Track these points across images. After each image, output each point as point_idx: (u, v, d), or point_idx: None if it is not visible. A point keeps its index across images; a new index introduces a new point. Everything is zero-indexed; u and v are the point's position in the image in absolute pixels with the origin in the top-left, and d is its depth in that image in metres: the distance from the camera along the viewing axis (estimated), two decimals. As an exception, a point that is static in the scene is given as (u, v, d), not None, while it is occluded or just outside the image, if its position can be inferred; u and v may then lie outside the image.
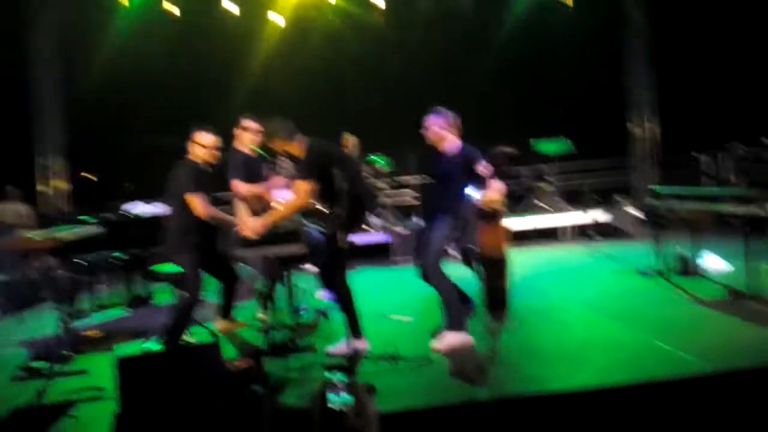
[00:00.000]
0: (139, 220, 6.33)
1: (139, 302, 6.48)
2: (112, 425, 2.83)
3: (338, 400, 2.64)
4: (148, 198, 6.64)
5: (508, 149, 4.21)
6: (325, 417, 2.64)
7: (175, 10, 9.48)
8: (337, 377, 2.70)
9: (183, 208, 4.37)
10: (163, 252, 4.55)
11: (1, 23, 8.69)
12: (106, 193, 8.54)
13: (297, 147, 4.22)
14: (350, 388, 2.68)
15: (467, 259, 4.83)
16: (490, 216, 4.58)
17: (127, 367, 3.10)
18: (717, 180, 8.88)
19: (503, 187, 4.36)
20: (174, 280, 4.64)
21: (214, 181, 4.70)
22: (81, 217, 6.23)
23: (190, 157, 4.53)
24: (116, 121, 9.46)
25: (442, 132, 4.49)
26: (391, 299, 5.81)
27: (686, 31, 9.72)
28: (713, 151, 8.91)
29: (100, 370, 4.03)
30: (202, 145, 4.50)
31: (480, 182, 4.40)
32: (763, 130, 5.90)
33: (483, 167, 4.36)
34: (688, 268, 5.75)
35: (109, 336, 5.13)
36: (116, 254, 6.38)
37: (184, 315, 4.34)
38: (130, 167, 8.48)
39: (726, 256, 5.96)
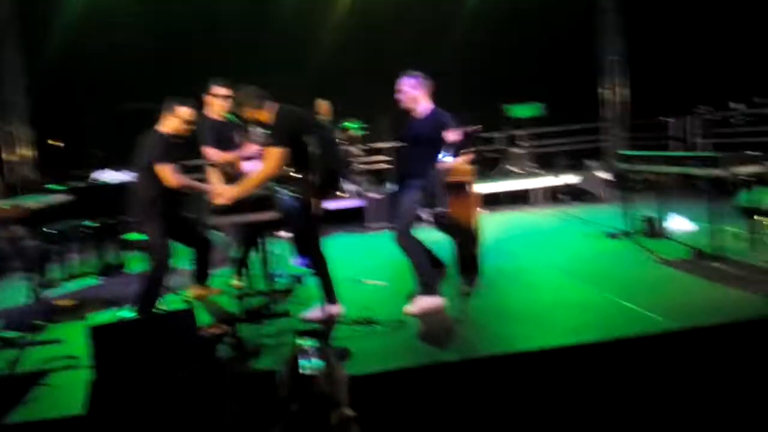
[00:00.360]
0: (108, 187, 6.25)
1: (111, 270, 6.42)
2: (87, 393, 2.84)
3: (309, 365, 2.68)
4: (117, 165, 6.53)
5: (470, 128, 4.21)
6: (296, 382, 2.68)
7: None
8: (308, 343, 2.73)
9: (150, 178, 4.32)
10: (129, 220, 4.51)
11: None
12: (73, 160, 8.39)
13: (267, 114, 4.18)
14: (321, 353, 2.71)
15: (440, 223, 4.87)
16: (458, 186, 4.61)
17: (100, 335, 3.10)
18: (685, 143, 9.07)
19: (467, 159, 4.37)
20: (144, 248, 4.61)
21: (184, 149, 4.64)
22: (49, 186, 6.12)
23: (161, 127, 4.46)
24: (83, 87, 9.20)
25: (416, 94, 4.48)
26: (366, 264, 5.85)
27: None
28: (682, 115, 9.09)
29: (73, 339, 4.02)
30: (180, 117, 4.43)
31: (449, 148, 4.41)
32: (731, 94, 6.02)
33: (453, 133, 4.37)
34: (655, 230, 5.88)
35: (82, 305, 5.09)
36: (86, 222, 6.30)
37: (154, 283, 4.32)
38: (97, 134, 8.29)
39: (692, 218, 6.11)
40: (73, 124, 8.88)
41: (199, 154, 5.14)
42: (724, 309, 3.68)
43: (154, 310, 4.30)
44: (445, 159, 4.30)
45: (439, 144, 4.41)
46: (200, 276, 4.93)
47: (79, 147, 8.67)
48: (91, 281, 6.22)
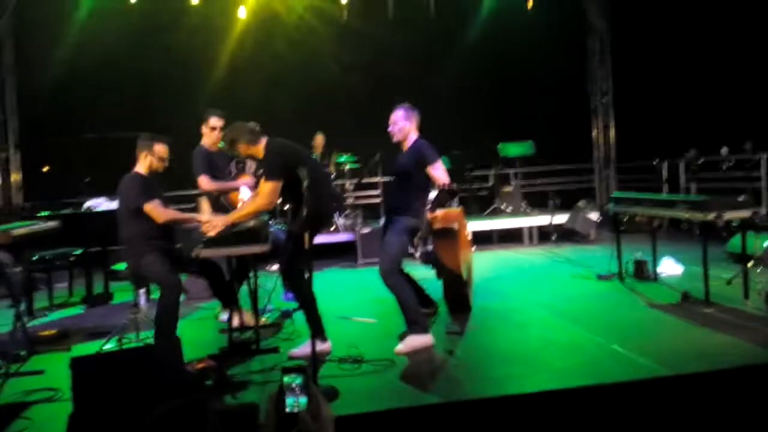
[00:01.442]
0: (97, 215, 6.21)
1: (97, 301, 6.35)
2: (66, 427, 2.77)
3: (294, 403, 2.63)
4: (104, 193, 6.51)
5: (450, 186, 4.19)
6: (281, 420, 2.63)
7: None
8: (294, 380, 2.68)
9: (137, 218, 4.30)
10: (127, 262, 4.46)
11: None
12: (61, 186, 8.34)
13: (261, 149, 4.19)
14: (307, 390, 2.67)
15: (428, 261, 4.86)
16: (446, 230, 4.60)
17: (81, 367, 3.04)
18: (675, 186, 9.18)
19: (449, 210, 4.31)
20: (136, 280, 4.57)
21: (161, 183, 4.63)
22: (39, 213, 6.08)
23: (138, 168, 4.46)
24: (71, 115, 9.21)
25: (408, 127, 4.50)
26: (356, 301, 5.82)
27: (648, 39, 9.97)
28: (672, 157, 9.21)
29: (56, 370, 3.94)
30: (156, 155, 4.44)
31: (433, 184, 4.40)
32: (722, 138, 6.12)
33: (435, 170, 4.33)
34: (645, 273, 5.89)
35: (66, 335, 5.02)
36: (75, 251, 6.25)
37: (169, 310, 4.25)
38: (86, 161, 8.27)
39: (682, 261, 6.14)
40: (61, 151, 8.83)
41: (192, 184, 5.14)
42: (713, 355, 3.66)
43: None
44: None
45: (420, 177, 4.40)
46: (227, 301, 4.71)
47: (68, 173, 8.63)
48: (75, 311, 6.14)
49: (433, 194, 4.22)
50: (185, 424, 2.84)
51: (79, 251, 6.29)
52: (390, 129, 4.54)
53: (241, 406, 3.28)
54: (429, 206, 4.15)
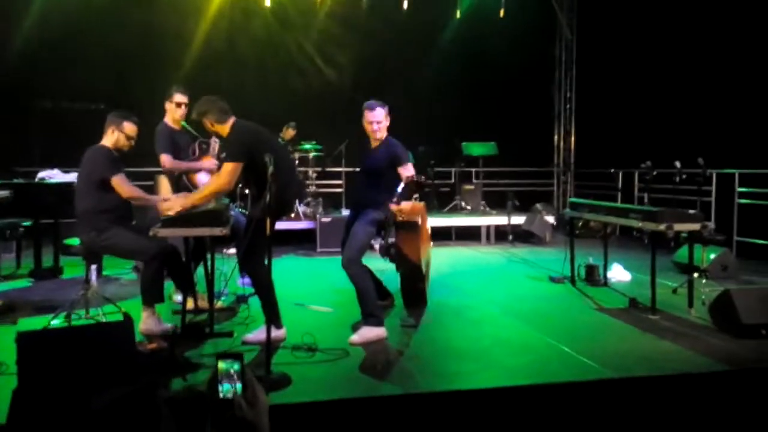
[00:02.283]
0: (51, 187, 6.03)
1: (46, 274, 6.18)
2: (9, 401, 2.70)
3: (229, 388, 2.63)
4: (54, 163, 6.32)
5: (418, 178, 4.23)
6: (215, 406, 2.62)
7: None
8: (231, 366, 2.67)
9: (97, 190, 4.24)
10: (81, 236, 4.36)
11: None
12: (14, 155, 8.07)
13: (227, 128, 4.14)
14: (243, 377, 2.66)
15: (388, 254, 4.89)
16: (408, 223, 4.64)
17: (27, 342, 2.97)
18: (629, 196, 9.46)
19: (413, 203, 4.35)
20: (89, 255, 4.46)
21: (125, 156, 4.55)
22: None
23: (104, 142, 4.38)
24: (32, 84, 8.89)
25: (386, 124, 4.55)
26: (313, 289, 5.82)
27: (612, 51, 10.23)
28: (628, 167, 9.49)
29: (1, 343, 3.82)
30: (125, 132, 4.37)
31: (400, 182, 4.43)
32: (677, 152, 6.33)
33: (406, 171, 4.40)
34: (596, 277, 6.06)
35: (12, 308, 4.87)
36: (25, 222, 6.06)
37: (152, 278, 4.25)
38: (41, 131, 8.01)
39: (631, 268, 6.34)
40: (16, 120, 8.53)
41: (155, 161, 5.04)
42: (657, 361, 3.80)
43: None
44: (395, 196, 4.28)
45: (391, 175, 4.45)
46: (183, 285, 4.61)
47: (21, 142, 8.35)
48: (23, 283, 5.96)
49: (400, 187, 4.25)
50: (134, 410, 2.80)
51: (29, 222, 6.10)
52: (374, 128, 4.54)
53: (189, 392, 3.25)
54: (395, 198, 4.17)
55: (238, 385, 2.64)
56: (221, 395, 2.63)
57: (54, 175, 6.22)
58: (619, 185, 9.66)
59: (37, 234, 6.22)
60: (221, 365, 2.66)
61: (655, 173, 6.83)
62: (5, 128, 8.82)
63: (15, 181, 6.13)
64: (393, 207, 4.21)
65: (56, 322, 4.29)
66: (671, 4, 8.92)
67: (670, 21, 9.01)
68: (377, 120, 4.52)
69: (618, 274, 6.26)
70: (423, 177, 4.30)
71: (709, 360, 3.82)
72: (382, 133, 4.57)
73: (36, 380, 2.88)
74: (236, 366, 2.66)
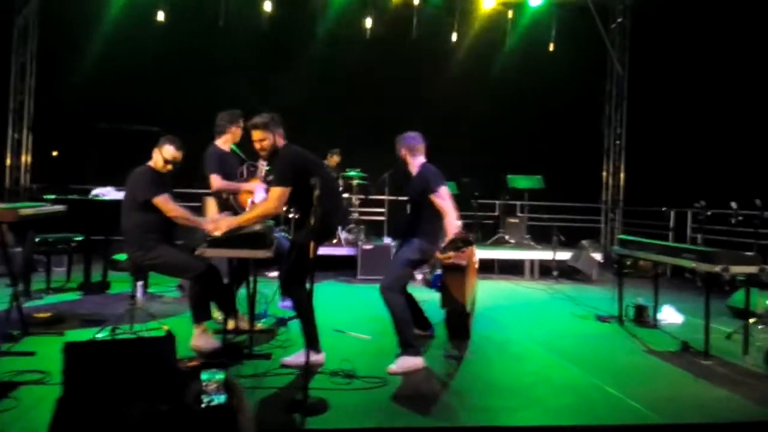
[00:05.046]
0: (104, 204, 6.21)
1: (94, 288, 6.33)
2: (54, 411, 2.74)
3: (212, 399, 2.61)
4: (113, 182, 6.51)
5: (459, 235, 4.19)
6: (198, 416, 2.60)
7: (161, 16, 9.43)
8: (214, 376, 2.65)
9: (142, 210, 4.34)
10: (128, 253, 4.46)
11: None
12: (70, 172, 8.38)
13: (278, 147, 4.18)
14: (227, 387, 2.64)
15: (435, 286, 4.86)
16: (453, 267, 4.60)
17: (74, 352, 3.01)
18: (681, 235, 9.17)
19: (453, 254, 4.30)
20: (136, 271, 4.55)
21: (171, 180, 4.66)
22: (46, 195, 6.08)
23: (150, 163, 4.52)
24: (89, 105, 9.28)
25: (419, 154, 4.55)
26: (352, 316, 5.78)
27: (665, 88, 10.05)
28: (680, 206, 9.22)
29: (47, 353, 3.91)
30: (163, 155, 4.50)
31: (437, 210, 4.38)
32: (732, 192, 6.12)
33: (437, 198, 4.34)
34: (645, 318, 5.85)
35: (61, 319, 4.99)
36: (77, 237, 6.24)
37: (202, 295, 4.34)
38: (97, 150, 8.31)
39: (683, 310, 6.10)
40: (74, 137, 8.88)
41: (204, 183, 5.15)
42: (709, 408, 3.62)
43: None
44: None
45: (427, 203, 4.40)
46: (225, 305, 4.67)
47: (78, 159, 8.67)
48: (72, 297, 6.12)
49: (449, 224, 4.24)
50: (167, 424, 2.80)
51: (81, 237, 6.28)
52: (409, 159, 4.57)
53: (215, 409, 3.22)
54: (442, 247, 4.17)
55: (221, 396, 2.62)
56: (203, 405, 2.61)
57: (107, 193, 6.41)
58: (671, 224, 9.37)
59: (87, 249, 6.40)
60: (205, 376, 2.66)
61: (709, 213, 6.62)
62: (66, 148, 9.21)
63: (69, 197, 6.35)
64: (438, 256, 4.21)
65: (102, 335, 4.38)
66: (725, 39, 8.74)
67: (725, 56, 8.81)
68: (411, 150, 4.56)
69: (669, 316, 6.03)
70: (467, 232, 4.27)
71: (764, 409, 3.63)
72: (413, 163, 4.57)
73: (79, 390, 2.91)
74: (221, 376, 2.65)
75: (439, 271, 4.48)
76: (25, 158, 9.67)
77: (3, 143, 9.48)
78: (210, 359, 4.02)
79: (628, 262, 8.15)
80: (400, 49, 10.33)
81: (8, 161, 9.52)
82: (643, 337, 5.35)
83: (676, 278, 8.94)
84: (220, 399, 2.61)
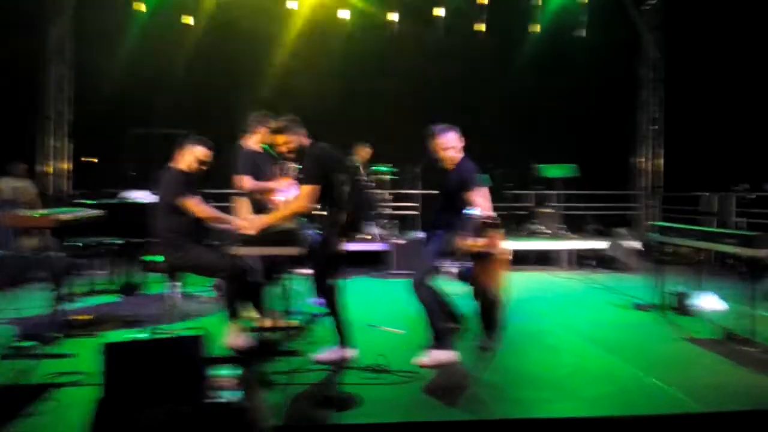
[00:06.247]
0: (138, 206, 6.33)
1: (131, 290, 6.47)
2: (93, 411, 2.81)
3: (228, 395, 2.62)
4: (148, 186, 6.64)
5: (487, 218, 4.11)
6: (214, 412, 2.61)
7: (191, 20, 9.58)
8: (230, 372, 2.66)
9: (174, 212, 4.39)
10: (163, 255, 4.54)
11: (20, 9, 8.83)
12: (107, 177, 8.57)
13: (303, 148, 4.20)
14: (243, 382, 2.64)
15: (463, 277, 4.80)
16: (484, 256, 4.54)
17: (112, 353, 3.08)
18: (719, 220, 8.90)
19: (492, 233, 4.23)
20: (172, 272, 4.63)
21: (199, 182, 4.70)
22: (83, 200, 6.23)
23: (176, 163, 4.54)
24: (124, 112, 9.48)
25: (458, 149, 4.48)
26: (386, 310, 5.78)
27: (701, 70, 9.76)
28: (717, 190, 8.95)
29: (87, 355, 4.01)
30: (195, 155, 4.52)
31: (470, 206, 4.34)
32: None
33: (473, 195, 4.28)
34: (685, 306, 5.70)
35: (100, 322, 5.11)
36: (114, 240, 6.38)
37: (237, 293, 4.40)
38: (133, 156, 8.47)
39: (723, 297, 5.92)
40: (109, 142, 9.08)
41: (230, 183, 5.20)
42: (754, 396, 3.51)
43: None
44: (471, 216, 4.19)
45: (461, 198, 4.37)
46: (259, 304, 4.72)
47: (114, 165, 8.85)
48: (112, 299, 6.26)
49: (475, 213, 4.17)
50: (209, 422, 2.84)
51: (121, 241, 6.42)
52: (449, 154, 4.45)
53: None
54: (466, 232, 4.11)
55: (237, 392, 2.63)
56: (219, 401, 2.63)
57: (144, 197, 6.53)
58: (715, 208, 9.08)
59: (128, 252, 6.54)
60: (220, 372, 2.67)
61: (754, 196, 6.39)
62: (99, 153, 9.43)
63: (109, 201, 6.49)
64: (468, 242, 4.16)
65: (141, 336, 4.47)
66: (763, 17, 8.43)
67: (762, 35, 8.50)
68: (451, 145, 4.45)
69: (711, 303, 5.85)
70: (495, 216, 4.18)
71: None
72: (455, 157, 4.49)
73: (119, 390, 2.97)
74: (237, 372, 2.67)
75: (469, 264, 4.43)
76: (66, 165, 9.94)
77: (44, 151, 9.75)
78: (244, 356, 4.07)
79: (668, 250, 7.94)
80: (426, 37, 10.23)
81: (50, 169, 9.80)
82: (684, 326, 5.22)
83: (719, 265, 8.68)
84: (236, 395, 2.64)
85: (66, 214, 5.15)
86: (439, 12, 10.13)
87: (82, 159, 9.43)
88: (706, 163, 9.43)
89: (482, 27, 10.28)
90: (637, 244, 8.56)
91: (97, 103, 9.63)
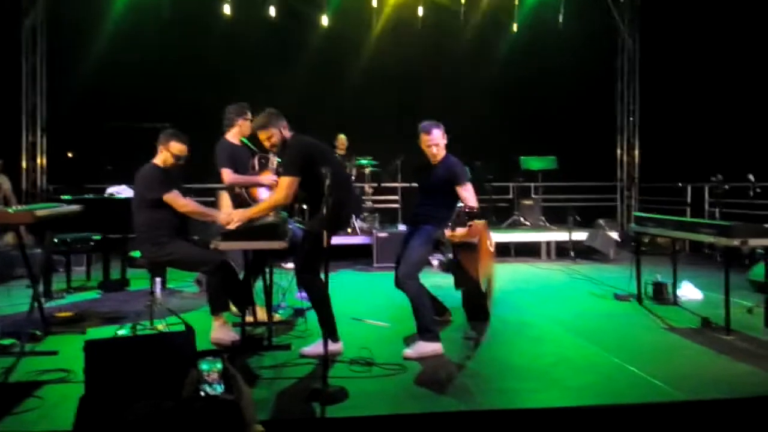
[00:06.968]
0: (119, 202, 6.26)
1: (113, 286, 6.40)
2: (76, 409, 2.78)
3: (211, 388, 2.62)
4: (126, 180, 6.56)
5: (469, 208, 4.14)
6: (199, 407, 2.61)
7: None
8: (212, 365, 2.66)
9: (152, 207, 4.37)
10: (141, 250, 4.51)
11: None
12: (85, 172, 8.45)
13: (285, 140, 4.18)
14: (225, 376, 2.64)
15: (448, 269, 4.84)
16: (465, 245, 4.58)
17: (94, 350, 3.04)
18: (698, 210, 9.07)
19: (475, 223, 4.26)
20: (153, 268, 4.59)
21: (180, 176, 4.68)
22: (63, 196, 6.14)
23: (156, 160, 4.51)
24: (100, 105, 9.34)
25: (444, 144, 4.51)
26: (369, 304, 5.79)
27: (677, 61, 9.89)
28: (697, 181, 9.11)
29: (70, 352, 3.96)
30: (171, 151, 4.48)
31: (458, 201, 4.39)
32: (749, 165, 6.03)
33: (465, 191, 4.35)
34: (664, 296, 5.80)
35: (82, 318, 5.05)
36: (94, 236, 6.30)
37: (219, 286, 4.36)
38: (110, 149, 8.36)
39: (702, 286, 6.04)
40: (88, 137, 8.94)
41: (215, 177, 5.16)
42: (732, 383, 3.58)
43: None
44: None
45: (450, 193, 4.41)
46: (241, 299, 4.62)
47: (92, 159, 8.72)
48: (92, 295, 6.19)
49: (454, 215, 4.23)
50: (192, 417, 2.82)
51: (98, 236, 6.34)
52: (433, 151, 4.48)
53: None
54: (450, 224, 4.15)
55: (218, 385, 2.63)
56: (202, 394, 2.62)
57: (121, 191, 6.46)
58: (689, 199, 9.25)
59: (106, 247, 6.46)
60: (202, 365, 2.67)
61: (727, 187, 6.53)
62: (78, 147, 9.27)
63: (85, 196, 6.41)
64: (447, 234, 4.20)
65: (122, 332, 4.42)
66: (738, 8, 8.56)
67: (738, 27, 8.64)
68: (435, 142, 4.47)
69: (688, 292, 5.97)
70: (477, 207, 4.22)
71: (789, 383, 3.59)
72: (441, 153, 4.52)
73: (102, 388, 2.94)
74: (219, 365, 2.66)
75: (450, 255, 4.47)
76: (41, 160, 9.77)
77: (18, 146, 9.57)
78: (228, 351, 4.05)
79: (646, 240, 8.07)
80: (406, 31, 10.22)
81: (24, 164, 9.62)
82: (663, 315, 5.31)
83: (695, 254, 8.85)
84: (218, 389, 2.63)
85: (43, 209, 5.06)
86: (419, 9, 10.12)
87: (69, 154, 9.25)
88: (682, 155, 9.58)
89: (461, 20, 10.30)
90: (615, 235, 8.67)
91: (73, 96, 9.47)
